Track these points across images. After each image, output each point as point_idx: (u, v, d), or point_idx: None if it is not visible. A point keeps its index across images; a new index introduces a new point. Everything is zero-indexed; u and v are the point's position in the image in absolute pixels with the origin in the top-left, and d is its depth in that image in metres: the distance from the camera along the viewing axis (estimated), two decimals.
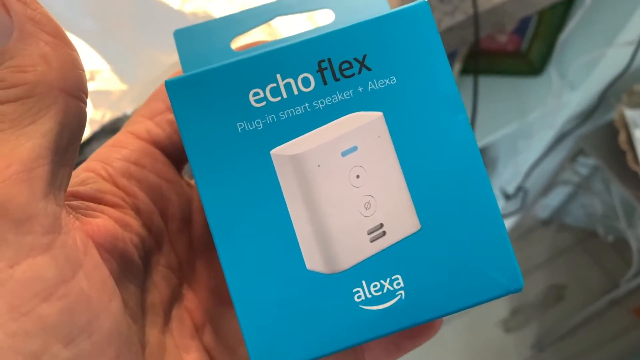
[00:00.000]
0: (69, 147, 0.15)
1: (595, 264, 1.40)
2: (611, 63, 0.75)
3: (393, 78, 0.17)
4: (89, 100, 0.42)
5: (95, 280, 0.14)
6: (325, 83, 0.17)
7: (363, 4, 0.18)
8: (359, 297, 0.16)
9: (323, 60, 0.17)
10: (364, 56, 0.17)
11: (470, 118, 0.64)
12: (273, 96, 0.17)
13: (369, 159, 0.17)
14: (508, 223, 1.26)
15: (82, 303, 0.14)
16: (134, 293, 0.17)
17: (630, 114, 0.85)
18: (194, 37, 0.18)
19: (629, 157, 0.83)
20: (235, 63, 0.16)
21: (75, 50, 0.15)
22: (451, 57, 0.74)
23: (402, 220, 0.17)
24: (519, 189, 0.89)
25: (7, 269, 0.13)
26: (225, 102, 0.16)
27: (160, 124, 0.18)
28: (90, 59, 0.44)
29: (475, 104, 0.62)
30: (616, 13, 0.69)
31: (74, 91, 0.15)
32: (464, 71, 0.78)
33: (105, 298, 0.15)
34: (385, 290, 0.16)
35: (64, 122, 0.14)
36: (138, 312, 0.17)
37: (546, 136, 0.88)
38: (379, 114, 0.16)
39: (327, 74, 0.17)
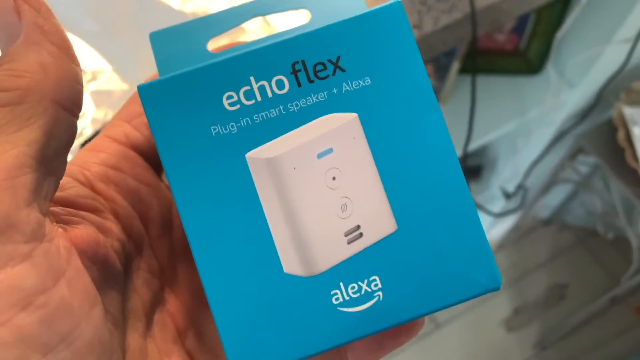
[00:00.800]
0: (56, 157, 0.15)
1: (597, 262, 1.40)
2: (609, 61, 0.75)
3: (367, 79, 0.17)
4: (90, 100, 0.43)
5: (77, 289, 0.14)
6: (299, 85, 0.17)
7: (340, 4, 0.18)
8: (337, 299, 0.16)
9: (297, 62, 0.16)
10: (338, 57, 0.17)
11: (468, 117, 0.65)
12: (247, 99, 0.16)
13: (344, 161, 0.17)
14: (508, 222, 1.27)
15: (62, 312, 0.14)
16: (115, 299, 0.17)
17: (629, 111, 0.85)
18: (170, 40, 0.18)
19: (628, 154, 0.84)
20: (208, 66, 0.16)
21: (78, 66, 0.15)
22: (449, 56, 0.74)
23: (378, 221, 0.16)
24: (519, 187, 0.89)
25: None
26: (198, 106, 0.16)
27: (138, 127, 0.18)
28: (92, 60, 0.44)
29: (473, 102, 0.62)
30: (613, 10, 0.69)
31: (67, 104, 0.15)
32: (462, 70, 0.79)
33: (86, 306, 0.14)
34: (363, 292, 0.16)
35: (52, 132, 0.14)
36: (119, 317, 0.17)
37: (545, 134, 0.89)
38: (354, 115, 0.16)
39: (301, 75, 0.16)
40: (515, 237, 1.44)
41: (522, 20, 0.78)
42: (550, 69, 0.80)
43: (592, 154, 0.89)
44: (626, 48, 0.69)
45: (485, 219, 1.21)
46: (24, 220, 0.13)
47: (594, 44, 0.74)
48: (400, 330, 0.17)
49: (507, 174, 0.98)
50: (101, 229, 0.17)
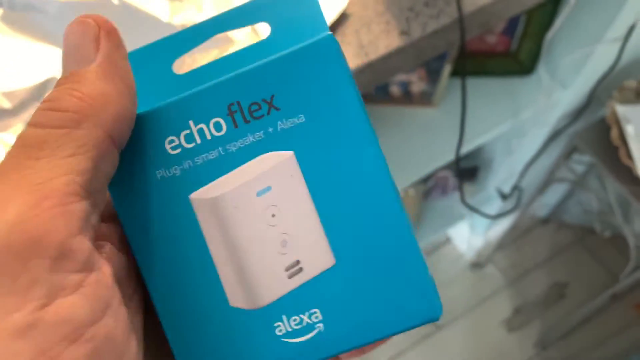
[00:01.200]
0: (100, 190, 0.15)
1: (596, 260, 1.41)
2: (600, 60, 0.75)
3: (302, 116, 0.17)
4: None
5: (120, 319, 0.14)
6: (236, 126, 0.17)
7: (299, 16, 0.18)
8: (280, 330, 0.17)
9: (232, 104, 0.17)
10: (272, 96, 0.17)
11: (460, 119, 0.65)
12: (187, 142, 0.17)
13: (282, 198, 0.17)
14: (506, 223, 1.27)
15: (108, 344, 0.13)
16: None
17: (622, 109, 0.86)
18: (136, 62, 0.18)
19: (622, 152, 0.84)
20: (149, 112, 0.17)
21: (135, 109, 0.15)
22: (441, 59, 0.75)
23: (317, 256, 0.17)
24: (515, 188, 0.89)
25: (37, 310, 0.12)
26: (143, 151, 0.17)
27: None
28: None
29: (464, 105, 0.62)
30: (603, 10, 0.70)
31: (117, 140, 0.15)
32: (455, 73, 0.79)
33: (126, 337, 0.14)
34: (304, 324, 0.17)
35: (100, 165, 0.14)
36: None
37: (540, 135, 0.89)
38: (290, 153, 0.17)
39: (238, 116, 0.17)
40: (514, 237, 1.44)
41: (513, 22, 0.79)
42: (542, 69, 0.81)
43: (587, 152, 0.89)
44: (616, 47, 0.69)
45: (482, 221, 1.21)
46: (77, 248, 0.13)
47: (584, 44, 0.74)
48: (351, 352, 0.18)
49: (503, 174, 0.99)
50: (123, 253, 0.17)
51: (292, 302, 0.17)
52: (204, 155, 0.17)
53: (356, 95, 0.17)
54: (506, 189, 1.00)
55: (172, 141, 0.17)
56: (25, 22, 0.49)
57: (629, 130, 0.83)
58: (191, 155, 0.17)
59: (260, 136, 0.17)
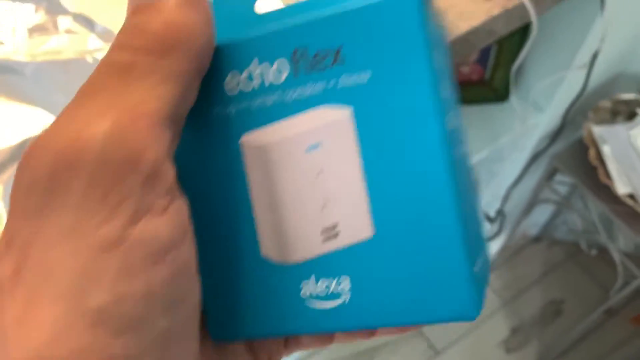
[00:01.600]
0: (181, 121, 0.14)
1: (589, 276, 1.41)
2: (572, 83, 0.77)
3: (366, 74, 0.15)
4: None
5: (194, 251, 0.14)
6: (296, 75, 0.16)
7: None
8: (305, 292, 0.16)
9: (298, 49, 0.16)
10: (340, 47, 0.16)
11: None
12: (247, 83, 0.16)
13: (331, 159, 0.16)
14: (496, 244, 1.28)
15: (185, 272, 0.13)
16: None
17: (597, 130, 0.87)
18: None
19: (601, 172, 0.86)
20: (217, 47, 0.16)
21: (214, 43, 0.15)
22: None
23: (356, 224, 0.16)
24: (499, 212, 0.90)
25: (126, 227, 0.12)
26: (204, 85, 0.16)
27: None
28: None
29: None
30: (568, 39, 0.72)
31: (202, 71, 0.15)
32: None
33: (197, 270, 0.14)
34: (331, 290, 0.16)
35: (185, 95, 0.14)
36: None
37: (520, 158, 0.90)
38: (348, 111, 0.16)
39: (301, 64, 0.16)
40: (506, 257, 1.44)
41: (485, 51, 0.81)
42: (516, 95, 0.83)
43: (567, 173, 0.90)
44: (583, 72, 0.71)
45: None
46: (166, 171, 0.13)
47: (554, 70, 0.76)
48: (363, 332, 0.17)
49: (487, 197, 1.00)
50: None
51: (323, 265, 0.16)
52: (260, 99, 0.16)
53: (429, 62, 0.15)
54: (492, 212, 1.01)
55: (233, 79, 0.17)
56: (2, 84, 0.50)
57: (606, 150, 0.84)
58: (248, 98, 0.16)
59: (319, 88, 0.16)
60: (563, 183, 0.98)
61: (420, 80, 0.15)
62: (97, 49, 0.52)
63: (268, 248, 0.17)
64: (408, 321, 0.16)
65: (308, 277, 0.16)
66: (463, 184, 0.16)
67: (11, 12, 0.55)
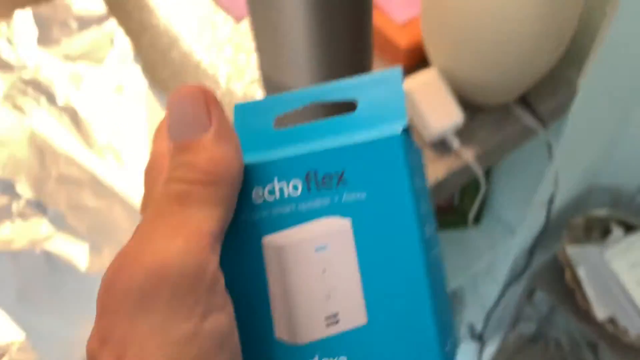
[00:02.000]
0: (224, 234, 0.18)
1: None
2: (540, 209, 0.77)
3: (363, 194, 0.20)
4: None
5: (238, 340, 0.18)
6: (309, 190, 0.20)
7: (384, 98, 0.21)
8: None
9: (310, 172, 0.20)
10: (343, 172, 0.20)
11: None
12: (269, 196, 0.21)
13: (335, 258, 0.20)
14: (491, 349, 1.24)
15: (237, 354, 0.17)
16: None
17: (572, 251, 0.87)
18: (247, 112, 0.22)
19: (579, 295, 0.84)
20: (246, 166, 0.21)
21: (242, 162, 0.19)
22: None
23: (353, 313, 0.20)
24: (480, 336, 0.88)
25: (199, 323, 0.16)
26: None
27: None
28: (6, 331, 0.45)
29: None
30: (527, 174, 0.73)
31: (238, 191, 0.19)
32: None
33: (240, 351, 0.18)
34: None
35: (229, 213, 0.18)
36: None
37: (498, 280, 0.89)
38: (348, 222, 0.20)
39: (312, 183, 0.20)
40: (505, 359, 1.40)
41: None
42: (487, 219, 0.83)
43: (546, 294, 0.89)
44: (544, 208, 0.71)
45: (468, 355, 1.19)
46: (220, 277, 0.17)
47: (521, 197, 0.77)
48: None
49: (470, 317, 0.98)
50: None
51: (325, 346, 0.20)
52: (279, 209, 0.21)
53: (411, 188, 0.20)
54: (478, 327, 0.99)
55: (257, 192, 0.21)
56: None
57: (581, 273, 0.83)
58: (270, 207, 0.21)
59: (326, 202, 0.20)
60: (544, 302, 0.96)
61: (404, 202, 0.20)
62: (48, 236, 0.52)
63: (281, 331, 0.20)
64: None
65: (313, 357, 0.20)
66: (436, 280, 0.20)
67: None
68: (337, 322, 0.20)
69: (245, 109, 0.22)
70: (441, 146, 0.56)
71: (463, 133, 0.57)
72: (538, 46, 0.50)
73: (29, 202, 0.55)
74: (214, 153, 0.17)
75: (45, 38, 0.69)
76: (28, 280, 0.50)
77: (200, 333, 0.16)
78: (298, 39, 0.39)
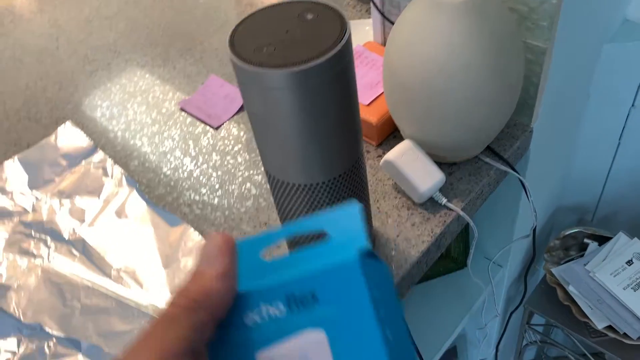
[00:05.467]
0: (202, 347, 0.22)
1: None
2: (523, 242, 0.83)
3: (333, 308, 0.24)
4: None
5: None
6: (290, 310, 0.25)
7: (348, 228, 0.26)
8: None
9: (290, 295, 0.25)
10: (314, 292, 0.25)
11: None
12: (259, 318, 0.25)
13: None
14: None
15: None
16: None
17: (557, 271, 0.92)
18: (241, 249, 0.26)
19: (575, 310, 0.89)
20: (238, 294, 0.25)
21: (232, 301, 0.24)
22: None
23: None
24: None
25: None
26: (229, 320, 0.25)
27: None
28: None
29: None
30: (506, 212, 0.79)
31: (218, 320, 0.23)
32: None
33: None
34: None
35: (206, 335, 0.22)
36: None
37: (496, 314, 0.94)
38: (322, 333, 0.24)
39: (292, 303, 0.25)
40: None
41: None
42: (474, 260, 0.88)
43: (544, 316, 0.94)
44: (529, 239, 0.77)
45: None
46: None
47: (503, 235, 0.83)
48: None
49: (480, 354, 1.02)
50: None
51: None
52: (267, 327, 0.25)
53: (371, 300, 0.24)
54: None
55: (248, 316, 0.25)
56: None
57: (572, 290, 0.89)
58: (260, 327, 0.25)
59: (304, 318, 0.25)
60: (541, 323, 1.01)
61: (366, 313, 0.24)
62: None
63: None
64: None
65: None
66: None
67: None
68: None
69: (241, 246, 0.27)
70: (431, 205, 0.62)
71: (444, 189, 0.63)
72: (496, 103, 0.57)
73: (60, 340, 0.56)
74: (208, 285, 0.22)
75: (37, 180, 0.72)
76: None
77: None
78: (295, 144, 0.44)
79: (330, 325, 0.24)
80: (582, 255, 0.94)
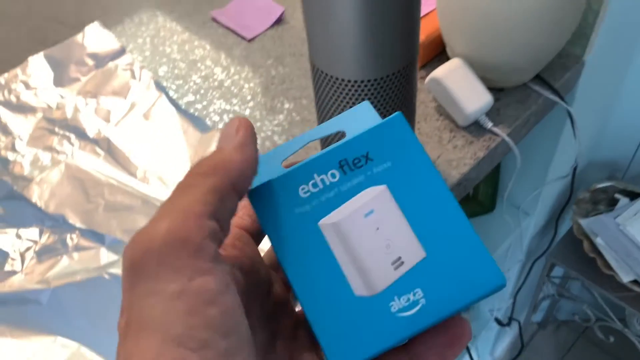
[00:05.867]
0: (225, 219, 0.21)
1: (604, 352, 1.39)
2: (555, 185, 0.81)
3: (389, 163, 0.25)
4: None
5: (236, 298, 0.20)
6: (345, 173, 0.25)
7: (364, 124, 0.26)
8: (394, 307, 0.23)
9: (342, 160, 0.25)
10: (367, 152, 0.25)
11: None
12: (314, 188, 0.25)
13: (383, 216, 0.24)
14: (507, 339, 1.26)
15: (232, 310, 0.19)
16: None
17: (585, 223, 0.90)
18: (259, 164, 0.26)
19: (600, 263, 0.87)
20: (287, 173, 0.25)
21: (252, 175, 0.23)
22: None
23: (412, 251, 0.23)
24: (510, 318, 0.90)
25: (186, 283, 0.18)
26: (285, 198, 0.25)
27: (242, 217, 0.26)
28: None
29: None
30: (543, 150, 0.76)
31: (239, 189, 0.22)
32: None
33: (241, 312, 0.20)
34: (411, 301, 0.23)
35: (225, 202, 0.21)
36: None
37: (517, 262, 0.92)
38: (383, 187, 0.24)
39: (346, 168, 0.25)
40: (519, 349, 1.42)
41: None
42: (503, 204, 0.86)
43: (566, 268, 0.92)
44: (564, 179, 0.75)
45: (485, 343, 1.21)
46: (207, 247, 0.19)
47: (534, 179, 0.80)
48: (455, 340, 0.23)
49: (495, 303, 1.00)
50: (234, 277, 0.23)
51: (400, 286, 0.23)
52: (325, 195, 0.25)
53: (422, 149, 0.25)
54: (499, 313, 1.01)
55: (303, 188, 0.25)
56: (19, 317, 0.49)
57: (600, 242, 0.87)
58: (317, 196, 0.25)
59: (362, 178, 0.25)
60: (560, 276, 0.99)
61: (421, 157, 0.25)
62: (110, 262, 0.52)
63: (359, 289, 0.23)
64: (466, 303, 0.22)
65: (392, 298, 0.23)
66: None
67: (16, 239, 0.55)
68: (402, 263, 0.23)
69: (261, 160, 0.26)
70: (475, 129, 0.59)
71: (490, 113, 0.60)
72: (556, 21, 0.54)
73: (83, 232, 0.54)
74: (225, 155, 0.22)
75: (62, 78, 0.69)
76: (103, 305, 0.49)
77: (186, 291, 0.18)
78: (350, 31, 0.41)
79: (390, 180, 0.24)
80: (610, 210, 0.91)
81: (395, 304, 0.23)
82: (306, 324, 0.26)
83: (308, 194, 0.25)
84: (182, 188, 0.21)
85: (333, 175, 0.25)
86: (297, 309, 0.26)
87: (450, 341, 0.23)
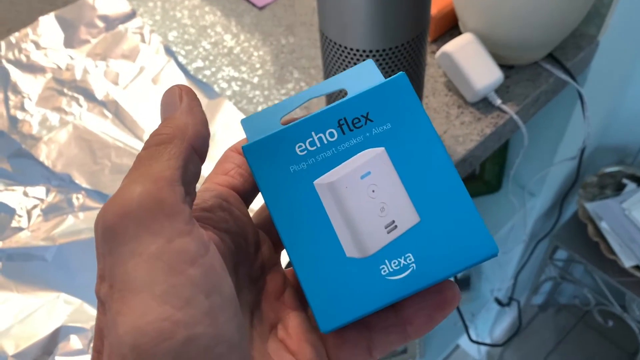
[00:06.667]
0: (190, 184, 0.21)
1: (602, 336, 1.40)
2: (562, 167, 0.80)
3: (389, 124, 0.24)
4: None
5: (218, 260, 0.20)
6: (343, 133, 0.24)
7: (367, 83, 0.26)
8: (384, 271, 0.23)
9: (341, 119, 0.24)
10: (367, 113, 0.24)
11: None
12: (311, 146, 0.24)
13: (379, 178, 0.24)
14: (507, 320, 1.27)
15: (214, 270, 0.20)
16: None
17: (591, 207, 0.90)
18: (254, 121, 0.26)
19: (603, 247, 0.87)
20: (284, 129, 0.25)
21: (208, 133, 0.23)
22: None
23: (406, 216, 0.23)
24: (511, 298, 0.91)
25: (166, 244, 0.19)
26: (281, 154, 0.24)
27: (234, 176, 0.26)
28: None
29: None
30: (552, 130, 0.76)
31: (199, 151, 0.22)
32: None
33: (223, 271, 0.21)
34: (402, 265, 0.23)
35: (188, 165, 0.21)
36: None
37: (521, 243, 0.92)
38: (381, 149, 0.24)
39: (344, 127, 0.24)
40: (516, 331, 1.43)
41: None
42: (508, 184, 0.85)
43: (569, 251, 0.92)
44: (570, 160, 0.74)
45: (484, 323, 1.21)
46: (183, 210, 0.20)
47: (542, 159, 0.80)
48: (444, 303, 0.23)
49: (496, 283, 1.01)
50: (220, 238, 0.23)
51: (392, 250, 0.23)
52: (322, 154, 0.24)
53: (423, 111, 0.24)
54: (500, 295, 1.01)
55: (300, 146, 0.24)
56: (24, 272, 0.50)
57: (604, 226, 0.86)
58: (314, 154, 0.24)
59: (361, 139, 0.24)
60: (563, 259, 0.99)
61: (422, 119, 0.24)
62: None
63: (351, 250, 0.23)
64: (456, 270, 0.22)
65: (383, 262, 0.23)
66: None
67: (23, 196, 0.56)
68: (395, 227, 0.23)
69: (251, 119, 0.26)
70: (483, 105, 0.59)
71: (499, 90, 0.59)
72: (569, 3, 0.53)
73: (89, 193, 0.55)
74: (176, 122, 0.22)
75: (72, 39, 0.69)
76: None
77: (166, 252, 0.19)
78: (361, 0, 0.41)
79: (389, 140, 0.24)
80: (617, 195, 0.91)
81: (386, 267, 0.23)
82: (296, 284, 0.26)
83: (305, 152, 0.24)
84: (144, 158, 0.21)
85: (331, 135, 0.24)
86: (286, 269, 0.26)
87: (439, 304, 0.23)
